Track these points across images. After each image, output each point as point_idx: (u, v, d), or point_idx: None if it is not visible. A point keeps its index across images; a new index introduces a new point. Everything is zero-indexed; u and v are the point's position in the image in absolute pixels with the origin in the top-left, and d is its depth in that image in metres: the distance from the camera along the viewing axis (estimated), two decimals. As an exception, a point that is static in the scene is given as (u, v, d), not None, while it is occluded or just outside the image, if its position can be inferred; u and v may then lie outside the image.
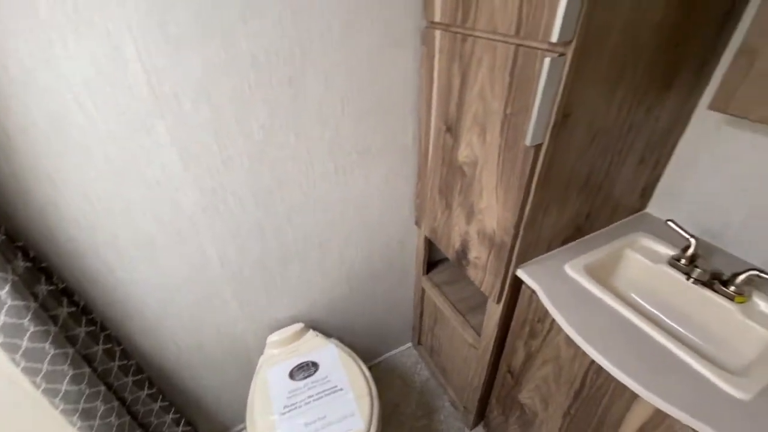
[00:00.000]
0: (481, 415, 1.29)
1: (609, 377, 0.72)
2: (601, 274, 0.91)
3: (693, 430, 0.60)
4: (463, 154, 0.87)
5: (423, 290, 1.36)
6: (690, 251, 0.84)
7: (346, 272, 1.21)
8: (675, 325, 0.85)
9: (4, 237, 0.66)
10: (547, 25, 0.58)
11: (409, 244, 1.29)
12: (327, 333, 1.25)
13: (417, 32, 0.90)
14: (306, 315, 1.21)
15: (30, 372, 0.73)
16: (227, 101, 0.78)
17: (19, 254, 0.69)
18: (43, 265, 0.75)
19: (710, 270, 0.81)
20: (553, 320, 0.82)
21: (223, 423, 1.29)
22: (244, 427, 1.34)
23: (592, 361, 0.74)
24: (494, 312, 0.97)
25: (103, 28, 0.63)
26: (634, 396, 0.67)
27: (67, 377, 0.76)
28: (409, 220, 1.23)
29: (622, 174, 0.88)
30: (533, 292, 0.85)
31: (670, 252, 0.90)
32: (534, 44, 0.62)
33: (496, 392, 1.15)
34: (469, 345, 1.15)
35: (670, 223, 0.88)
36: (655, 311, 0.88)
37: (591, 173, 0.81)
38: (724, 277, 0.79)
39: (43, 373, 0.74)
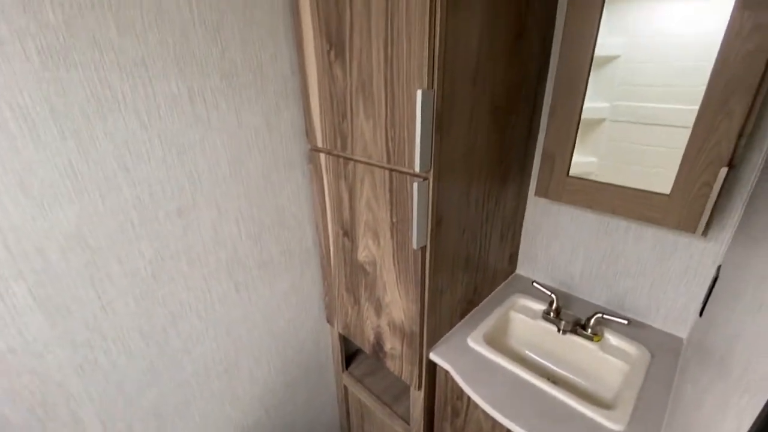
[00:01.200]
0: None
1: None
2: (498, 338, 1.04)
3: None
4: (362, 254, 0.95)
5: (345, 388, 1.33)
6: (554, 305, 1.03)
7: (259, 393, 1.11)
8: (560, 371, 1.00)
9: None
10: (410, 158, 0.72)
11: (323, 343, 1.27)
12: None
13: (304, 154, 1.00)
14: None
15: None
16: (107, 244, 0.72)
17: None
18: None
19: (572, 319, 1.00)
20: (470, 397, 0.89)
21: None
22: None
23: (508, 430, 0.82)
24: (417, 399, 1.00)
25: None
26: None
27: None
28: (320, 319, 1.22)
29: (491, 251, 1.06)
30: (447, 372, 0.92)
31: (541, 307, 1.08)
32: (404, 170, 0.76)
33: (436, 480, 1.14)
34: (400, 437, 1.14)
35: (534, 284, 1.08)
36: (544, 362, 1.03)
37: (468, 257, 0.96)
38: (582, 322, 0.99)
39: None
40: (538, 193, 1.00)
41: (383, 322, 0.98)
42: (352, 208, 0.92)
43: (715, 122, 0.71)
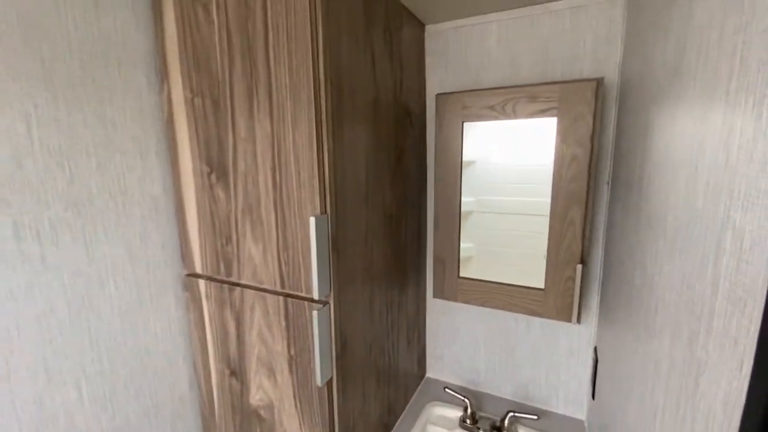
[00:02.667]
0: None
1: None
2: (419, 465, 0.93)
3: None
4: (255, 398, 0.80)
5: None
6: (469, 410, 1.00)
7: None
8: (488, 487, 0.93)
9: None
10: (307, 285, 0.67)
11: None
12: None
13: (178, 280, 0.86)
14: None
15: None
16: None
17: None
18: None
19: (488, 423, 0.98)
20: None
21: None
22: None
23: None
24: None
25: None
26: None
27: None
28: (201, 489, 0.94)
29: (400, 359, 1.01)
30: None
31: (457, 413, 1.04)
32: (301, 295, 0.69)
33: None
34: None
35: (447, 389, 1.04)
36: (470, 480, 0.95)
37: (379, 373, 0.88)
38: (497, 425, 0.97)
39: None
40: (435, 295, 1.03)
41: (287, 481, 0.80)
42: (240, 340, 0.79)
43: (563, 230, 0.85)
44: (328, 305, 0.68)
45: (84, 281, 0.68)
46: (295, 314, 0.70)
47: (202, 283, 0.81)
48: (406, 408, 1.07)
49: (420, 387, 1.17)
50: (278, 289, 0.71)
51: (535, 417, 0.93)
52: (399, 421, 1.02)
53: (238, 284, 0.77)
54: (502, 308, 0.95)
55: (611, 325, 0.74)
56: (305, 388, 0.72)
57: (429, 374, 1.23)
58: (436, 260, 1.01)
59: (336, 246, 0.67)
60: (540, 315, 0.91)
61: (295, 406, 0.74)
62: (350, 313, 0.74)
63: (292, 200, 0.66)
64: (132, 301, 0.77)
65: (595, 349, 0.93)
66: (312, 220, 0.62)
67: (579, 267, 0.84)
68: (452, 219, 0.97)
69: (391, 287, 0.92)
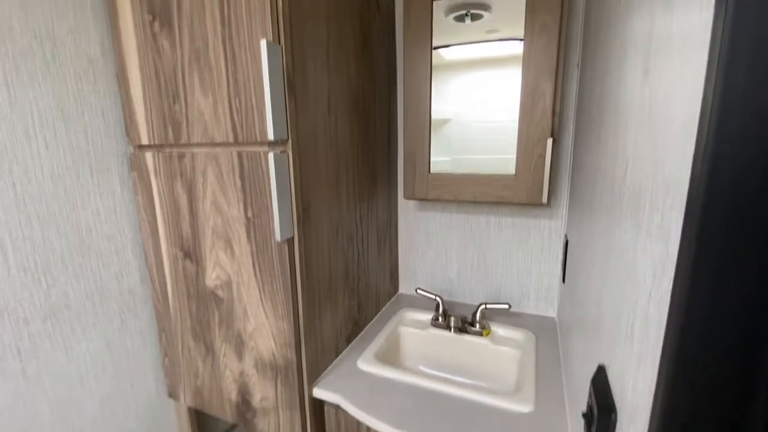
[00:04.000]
0: None
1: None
2: (391, 357, 0.91)
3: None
4: (211, 277, 0.74)
5: (203, 494, 0.94)
6: (441, 308, 0.98)
7: None
8: (460, 379, 0.91)
9: None
10: (261, 128, 0.61)
11: (173, 423, 0.90)
12: None
13: (123, 158, 0.78)
14: None
15: None
16: None
17: None
18: None
19: (460, 317, 0.96)
20: (365, 426, 0.71)
21: None
22: None
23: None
24: (304, 461, 0.76)
25: None
26: None
27: None
28: (159, 394, 0.88)
29: (371, 263, 0.97)
30: (337, 408, 0.73)
31: (429, 316, 1.01)
32: (255, 147, 0.64)
33: None
34: None
35: (418, 290, 1.02)
36: (441, 374, 0.93)
37: (347, 266, 0.84)
38: (469, 319, 0.95)
39: None
40: (406, 196, 0.99)
41: (248, 365, 0.75)
42: (193, 215, 0.72)
43: (534, 103, 0.83)
44: (285, 153, 0.63)
45: (6, 130, 0.60)
46: (250, 168, 0.64)
47: (149, 156, 0.74)
48: (378, 314, 1.04)
49: (392, 300, 1.14)
50: (231, 141, 0.65)
51: (507, 306, 0.91)
52: (370, 323, 0.99)
53: (188, 148, 0.70)
54: (473, 199, 0.93)
55: (578, 208, 0.73)
56: (265, 253, 0.67)
57: (401, 290, 1.20)
58: (407, 155, 0.97)
59: (292, 83, 0.62)
60: (510, 201, 0.89)
61: (255, 276, 0.69)
62: (312, 174, 0.69)
63: (241, 32, 0.60)
64: (65, 165, 0.69)
65: (566, 236, 0.92)
66: (263, 44, 0.56)
67: (549, 141, 0.82)
68: (422, 114, 0.94)
69: (359, 179, 0.87)
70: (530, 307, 1.04)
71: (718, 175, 0.20)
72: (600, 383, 0.39)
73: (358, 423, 0.71)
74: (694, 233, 0.22)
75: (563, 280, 0.91)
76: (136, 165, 0.77)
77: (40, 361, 0.66)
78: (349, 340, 0.89)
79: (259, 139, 0.62)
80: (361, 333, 0.94)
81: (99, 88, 0.73)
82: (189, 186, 0.71)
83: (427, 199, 0.99)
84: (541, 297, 1.02)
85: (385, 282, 1.09)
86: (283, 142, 0.63)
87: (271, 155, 0.60)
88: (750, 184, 0.20)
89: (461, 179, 0.93)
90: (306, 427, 0.74)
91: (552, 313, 1.02)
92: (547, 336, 0.92)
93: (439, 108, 0.94)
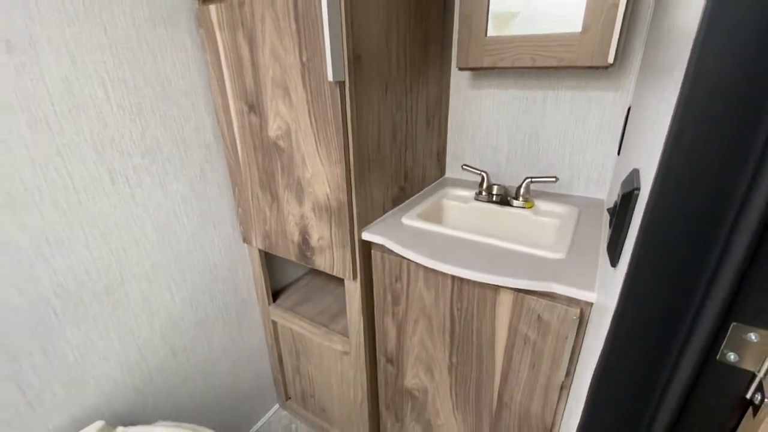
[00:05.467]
0: (376, 437, 1.13)
1: (471, 290, 0.73)
2: (433, 220, 0.97)
3: (544, 294, 0.65)
4: (273, 128, 0.81)
5: (274, 324, 1.16)
6: (485, 183, 1.00)
7: (160, 325, 0.90)
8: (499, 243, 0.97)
9: None
10: (316, -43, 0.61)
11: (242, 271, 1.09)
12: (149, 421, 0.88)
13: (191, 14, 0.83)
14: (107, 404, 0.82)
15: None
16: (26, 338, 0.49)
17: None
18: None
19: (503, 191, 0.98)
20: (410, 270, 0.80)
21: None
22: None
23: (453, 283, 0.75)
24: (354, 291, 0.89)
25: None
26: (496, 290, 0.70)
27: None
28: (235, 239, 1.04)
29: (418, 135, 0.99)
30: (383, 251, 0.83)
31: (473, 192, 1.05)
32: (311, -14, 0.65)
33: (383, 397, 1.03)
34: (340, 354, 1.01)
35: (464, 166, 1.04)
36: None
37: (395, 129, 0.87)
38: (513, 194, 0.97)
39: None
40: (459, 64, 0.96)
41: (307, 209, 0.85)
42: (255, 66, 0.78)
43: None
44: (338, -10, 0.63)
45: (91, -30, 0.66)
46: (304, 10, 0.66)
47: (213, 9, 0.79)
48: (422, 191, 1.09)
49: (437, 182, 1.18)
50: (287, -18, 0.66)
51: (554, 179, 0.91)
52: (414, 197, 1.05)
53: (247, -2, 0.73)
54: (532, 64, 0.88)
55: (650, 71, 0.66)
56: (318, 99, 0.72)
57: (448, 174, 1.23)
58: (462, 22, 0.92)
59: None
60: (572, 64, 0.83)
61: (311, 124, 0.75)
62: (364, 28, 0.70)
63: None
64: (143, 16, 0.75)
65: (629, 109, 0.86)
66: None
67: (626, -10, 0.73)
68: (483, -35, 0.86)
69: (411, 46, 0.86)
70: (579, 189, 1.02)
71: None
72: (629, 178, 0.41)
73: (401, 261, 0.81)
74: None
75: (618, 153, 0.87)
76: (202, 21, 0.82)
77: (144, 191, 0.81)
78: (394, 203, 0.96)
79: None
80: (406, 201, 1.01)
81: (164, -64, 0.75)
82: (249, 35, 0.76)
83: (482, 68, 0.95)
84: (593, 179, 0.99)
85: (432, 162, 1.12)
86: (336, -21, 0.63)
87: (325, -10, 0.61)
88: None
89: (519, 41, 0.87)
90: (355, 264, 0.85)
91: (602, 195, 1.00)
92: (591, 212, 0.92)
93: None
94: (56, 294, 0.70)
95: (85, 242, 0.74)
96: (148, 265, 0.84)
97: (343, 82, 0.69)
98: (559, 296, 0.65)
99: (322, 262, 0.89)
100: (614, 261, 0.47)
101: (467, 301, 0.75)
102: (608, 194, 0.96)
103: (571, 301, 0.64)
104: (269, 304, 1.14)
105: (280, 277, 1.23)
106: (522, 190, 0.95)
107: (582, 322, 0.64)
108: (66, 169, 0.69)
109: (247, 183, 0.94)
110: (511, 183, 1.11)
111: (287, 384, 1.26)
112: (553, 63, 0.85)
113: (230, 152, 0.93)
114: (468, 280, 0.73)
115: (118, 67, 0.73)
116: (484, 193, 1.00)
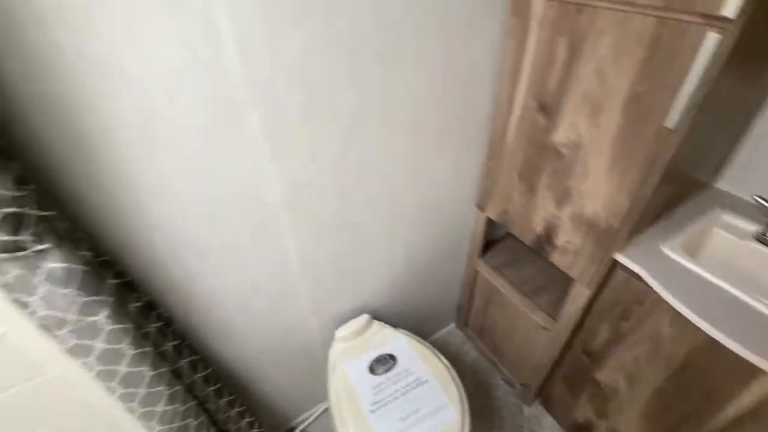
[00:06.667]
0: (540, 391, 1.32)
1: (723, 355, 0.72)
2: (692, 253, 0.91)
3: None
4: (561, 135, 0.83)
5: (476, 272, 1.35)
6: (781, 225, 0.84)
7: (408, 259, 1.16)
8: None
9: (91, 254, 0.58)
10: (713, -6, 0.52)
11: (466, 226, 1.25)
12: (385, 320, 1.22)
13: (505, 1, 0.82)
14: (369, 305, 1.17)
15: (126, 398, 0.66)
16: (321, 85, 0.69)
17: (110, 271, 0.61)
18: (128, 279, 0.66)
19: (807, 244, 0.82)
20: (655, 300, 0.81)
21: (285, 416, 1.27)
22: (304, 419, 1.32)
23: (705, 339, 0.74)
24: (580, 296, 0.96)
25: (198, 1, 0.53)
26: (754, 371, 0.68)
27: (164, 397, 0.70)
28: (470, 201, 1.18)
29: (708, 147, 0.85)
30: (632, 275, 0.84)
31: (754, 228, 0.90)
32: (689, 16, 0.57)
33: (564, 371, 1.17)
34: (539, 327, 1.15)
35: (757, 198, 0.88)
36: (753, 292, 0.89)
37: (701, 150, 0.78)
38: (822, 250, 0.80)
39: (140, 397, 0.67)
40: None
41: (564, 214, 0.90)
42: (568, 73, 0.76)
43: None
44: (729, 35, 0.54)
45: (450, -25, 0.71)
46: (668, 41, 0.59)
47: (539, 3, 0.76)
48: (685, 204, 0.98)
49: (704, 193, 1.02)
50: (657, 5, 0.59)
51: None
52: (675, 209, 0.96)
53: (589, 4, 0.68)
54: None
55: None
56: (637, 133, 0.68)
57: (719, 184, 1.05)
58: None
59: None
60: None
61: (612, 148, 0.74)
62: (740, 59, 0.59)
63: None
64: (468, 10, 0.78)
65: None
66: None
67: None
68: None
69: None
70: None
71: None
72: None
73: (646, 293, 0.82)
74: None
75: None
76: (518, 9, 0.80)
77: (427, 163, 0.97)
78: (653, 221, 0.91)
79: (700, 9, 0.54)
80: (668, 219, 0.94)
81: None
82: (574, 43, 0.73)
83: None
84: None
85: (708, 167, 0.96)
86: (730, 21, 0.53)
87: (712, 36, 0.53)
88: None
89: None
90: (596, 278, 0.90)
91: None
92: None
93: None
94: (348, 43, 0.69)
95: (390, 199, 0.96)
96: (413, 216, 1.04)
97: (677, 131, 0.64)
98: None
99: (560, 260, 0.96)
100: None
101: (713, 358, 0.75)
102: None
103: None
104: (478, 257, 1.31)
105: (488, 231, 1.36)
106: (838, 253, 0.78)
107: None
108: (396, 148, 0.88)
109: (503, 164, 1.01)
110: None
111: (470, 314, 1.51)
112: None
113: (498, 132, 0.99)
114: (725, 347, 0.71)
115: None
116: (773, 237, 0.85)
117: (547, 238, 0.97)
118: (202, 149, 0.64)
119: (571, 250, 0.92)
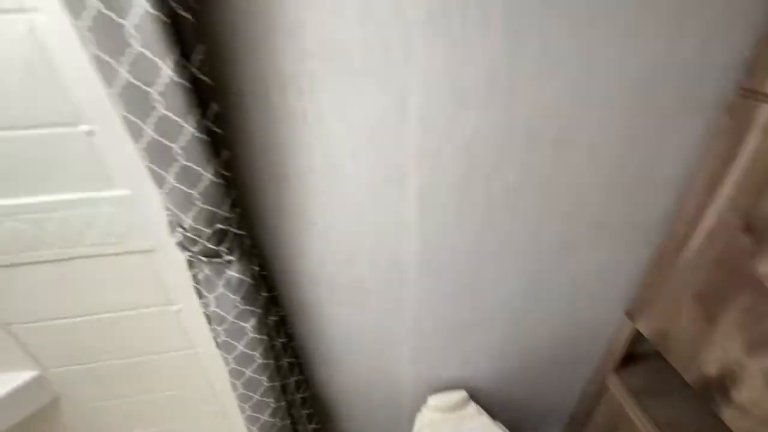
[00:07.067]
0: None
1: None
2: None
3: None
4: (766, 265, 0.65)
5: (605, 387, 1.13)
6: None
7: (526, 348, 1.05)
8: None
9: (258, 268, 0.68)
10: None
11: (604, 331, 1.08)
12: (483, 403, 1.11)
13: (719, 97, 0.71)
14: (470, 381, 1.09)
15: (243, 399, 0.74)
16: (484, 162, 0.70)
17: (264, 285, 0.70)
18: (275, 294, 0.76)
19: None
20: None
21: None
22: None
23: None
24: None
25: (399, 80, 0.60)
26: None
27: (270, 409, 0.77)
28: (617, 305, 1.02)
29: None
30: None
31: None
32: None
33: None
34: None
35: None
36: None
37: None
38: None
39: (253, 402, 0.74)
40: None
41: (755, 365, 0.69)
42: (798, 197, 0.60)
43: None
44: None
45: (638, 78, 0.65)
46: None
47: (764, 108, 0.63)
48: None
49: None
50: None
51: None
52: None
53: None
54: None
55: None
56: None
57: None
58: None
59: None
60: None
61: None
62: None
63: None
64: (675, 101, 0.70)
65: None
66: None
67: None
68: None
69: None
70: None
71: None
72: None
73: None
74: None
75: None
76: (736, 111, 0.68)
77: (573, 255, 0.87)
78: None
79: None
80: None
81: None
82: (819, 164, 0.57)
83: None
84: None
85: None
86: None
87: None
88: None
89: None
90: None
91: None
92: None
93: None
94: (522, 128, 0.69)
95: (525, 282, 0.90)
96: (547, 305, 0.95)
97: None
98: None
99: (734, 422, 0.74)
100: None
101: None
102: None
103: None
104: (613, 370, 1.10)
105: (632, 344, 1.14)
106: None
107: None
108: (539, 230, 0.82)
109: (674, 277, 0.84)
110: None
111: (584, 427, 1.27)
112: None
113: (675, 241, 0.83)
114: None
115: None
116: None
117: (720, 387, 0.76)
118: (364, 200, 0.70)
119: (756, 415, 0.69)
